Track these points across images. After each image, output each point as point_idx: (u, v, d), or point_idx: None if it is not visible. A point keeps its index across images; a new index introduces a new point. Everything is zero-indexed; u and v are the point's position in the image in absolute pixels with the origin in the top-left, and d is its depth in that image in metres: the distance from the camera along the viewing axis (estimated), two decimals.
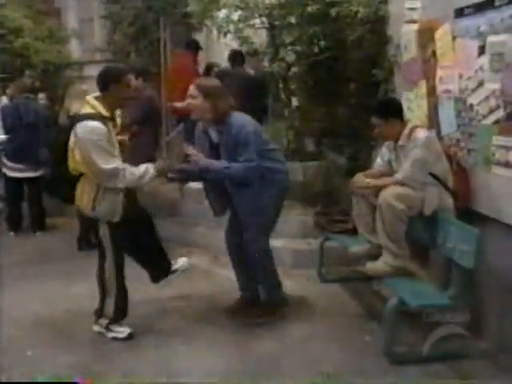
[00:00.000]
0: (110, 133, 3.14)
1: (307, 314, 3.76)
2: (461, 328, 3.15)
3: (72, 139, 3.20)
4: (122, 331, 3.45)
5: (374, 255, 3.52)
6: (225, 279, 4.34)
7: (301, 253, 4.62)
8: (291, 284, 4.08)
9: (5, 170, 6.10)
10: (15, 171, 5.98)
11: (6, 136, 6.02)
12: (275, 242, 4.76)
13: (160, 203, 5.67)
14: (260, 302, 3.77)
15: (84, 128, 3.10)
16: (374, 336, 3.36)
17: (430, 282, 3.35)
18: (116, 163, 3.14)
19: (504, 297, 3.09)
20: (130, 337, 3.43)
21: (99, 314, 3.49)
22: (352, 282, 4.22)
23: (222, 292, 4.11)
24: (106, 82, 3.19)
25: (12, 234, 6.01)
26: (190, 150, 3.41)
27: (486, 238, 3.03)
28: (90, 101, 3.21)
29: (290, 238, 4.75)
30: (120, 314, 3.46)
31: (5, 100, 6.59)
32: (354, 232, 4.03)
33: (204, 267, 4.78)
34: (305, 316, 3.73)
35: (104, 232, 3.31)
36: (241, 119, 3.41)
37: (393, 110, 3.47)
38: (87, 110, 3.19)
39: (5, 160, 6.06)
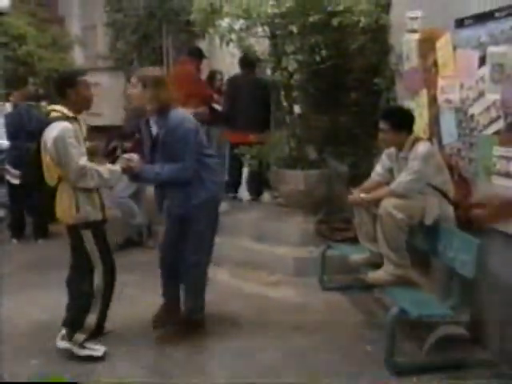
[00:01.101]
0: (76, 132, 3.14)
1: (308, 322, 3.76)
2: (461, 328, 3.14)
3: (43, 146, 3.15)
4: (98, 349, 3.28)
5: (375, 264, 3.54)
6: (224, 286, 4.35)
7: (302, 261, 4.62)
8: (292, 292, 4.09)
9: (8, 177, 6.12)
10: (18, 178, 6.00)
11: (9, 143, 6.07)
12: (277, 250, 4.81)
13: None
14: (179, 312, 3.69)
15: (52, 129, 3.09)
16: (376, 345, 3.36)
17: (431, 290, 3.36)
18: (85, 162, 3.14)
19: (505, 306, 3.10)
20: (104, 355, 3.26)
21: (74, 328, 3.26)
22: (353, 290, 4.23)
23: (221, 299, 4.12)
24: (62, 88, 3.19)
25: (15, 241, 6.03)
26: (129, 155, 3.37)
27: (486, 247, 3.05)
28: (52, 107, 3.22)
29: (291, 246, 4.76)
30: (100, 330, 3.35)
31: (8, 107, 6.63)
32: (355, 240, 4.04)
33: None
34: (306, 324, 3.73)
35: (88, 239, 3.23)
36: (181, 115, 3.36)
37: (404, 121, 3.48)
38: (53, 114, 3.18)
39: (8, 167, 6.09)
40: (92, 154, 3.38)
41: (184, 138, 3.30)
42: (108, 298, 3.36)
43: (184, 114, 3.40)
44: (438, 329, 3.16)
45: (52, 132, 3.08)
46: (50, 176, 3.19)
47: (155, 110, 3.33)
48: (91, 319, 3.26)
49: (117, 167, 3.28)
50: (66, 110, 3.16)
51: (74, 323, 3.28)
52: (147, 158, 3.46)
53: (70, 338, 3.26)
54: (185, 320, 3.61)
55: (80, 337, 3.24)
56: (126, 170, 3.32)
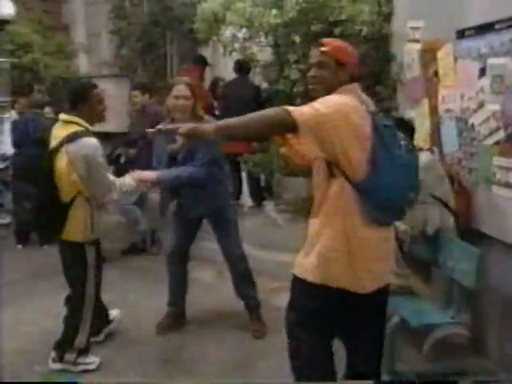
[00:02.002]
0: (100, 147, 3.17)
1: None
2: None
3: (63, 162, 3.05)
4: (92, 362, 3.30)
5: None
6: (228, 293, 4.37)
7: None
8: None
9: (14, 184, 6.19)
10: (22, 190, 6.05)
11: (14, 150, 6.13)
12: (279, 257, 4.83)
13: (166, 217, 5.72)
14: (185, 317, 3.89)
15: (81, 147, 3.02)
16: None
17: (432, 300, 3.38)
18: (113, 178, 3.21)
19: (505, 316, 3.12)
20: (99, 367, 3.28)
21: (64, 349, 3.25)
22: None
23: (225, 306, 4.15)
24: (73, 101, 3.14)
25: (20, 246, 6.07)
26: (138, 175, 3.38)
27: (487, 257, 3.07)
28: (71, 119, 3.12)
29: (294, 253, 4.77)
30: (89, 344, 3.32)
31: (14, 115, 6.69)
32: None
33: (207, 281, 4.81)
34: None
35: (91, 254, 3.20)
36: (208, 120, 3.46)
37: (407, 131, 3.48)
38: (72, 128, 3.10)
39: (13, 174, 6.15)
40: None
41: (210, 144, 3.33)
42: (95, 318, 3.33)
43: (209, 120, 3.47)
44: (436, 331, 3.15)
45: (82, 150, 3.02)
46: (66, 192, 3.10)
47: (190, 116, 3.38)
48: (81, 338, 3.24)
49: (132, 182, 3.28)
50: (86, 124, 3.13)
51: (63, 344, 3.28)
52: (165, 162, 3.49)
53: (60, 359, 3.26)
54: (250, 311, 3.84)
55: (71, 356, 3.24)
56: (143, 185, 3.38)
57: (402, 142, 2.23)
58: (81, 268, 3.21)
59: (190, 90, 3.44)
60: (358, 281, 2.20)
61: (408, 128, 3.51)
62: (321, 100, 2.16)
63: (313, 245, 2.28)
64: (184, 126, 2.16)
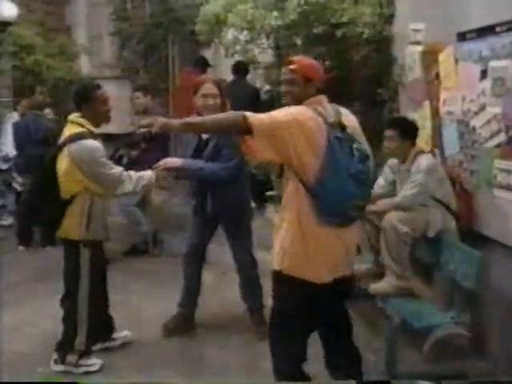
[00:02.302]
0: (103, 149, 3.18)
1: None
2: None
3: (66, 161, 3.10)
4: (94, 363, 3.29)
5: (378, 274, 3.57)
6: (232, 295, 4.38)
7: None
8: None
9: (15, 185, 6.21)
10: (24, 186, 6.07)
11: (16, 151, 6.15)
12: None
13: (167, 218, 5.74)
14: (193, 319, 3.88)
15: (82, 149, 3.08)
16: (378, 354, 3.38)
17: (433, 301, 3.38)
18: (119, 170, 3.21)
19: (506, 318, 3.12)
20: (101, 368, 3.28)
21: (65, 351, 3.26)
22: (355, 300, 4.23)
23: (229, 308, 4.16)
24: (78, 102, 3.19)
25: (22, 248, 6.08)
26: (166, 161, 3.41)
27: (488, 259, 3.08)
28: (75, 119, 3.18)
29: None
30: (90, 346, 3.32)
31: (16, 116, 6.71)
32: (357, 251, 4.05)
33: (211, 283, 4.82)
34: None
35: (84, 257, 3.19)
36: None
37: (409, 130, 3.52)
38: (75, 129, 3.15)
39: (15, 175, 6.17)
40: None
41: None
42: (94, 319, 3.29)
43: None
44: (436, 331, 3.14)
45: (81, 151, 3.07)
46: (67, 189, 3.15)
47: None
48: (80, 339, 3.23)
49: (148, 172, 3.28)
50: (89, 126, 3.16)
51: (64, 345, 3.29)
52: (190, 156, 3.51)
53: (62, 360, 3.27)
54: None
55: (72, 358, 3.24)
56: (169, 169, 3.34)
57: (356, 153, 2.42)
58: (73, 267, 3.22)
59: (218, 87, 3.47)
60: (316, 272, 2.44)
61: (411, 128, 3.53)
62: (281, 109, 2.44)
63: (277, 237, 2.55)
64: (158, 122, 2.45)
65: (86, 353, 3.28)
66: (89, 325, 3.25)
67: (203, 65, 6.48)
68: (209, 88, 3.42)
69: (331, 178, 2.33)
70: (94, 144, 3.12)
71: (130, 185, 3.19)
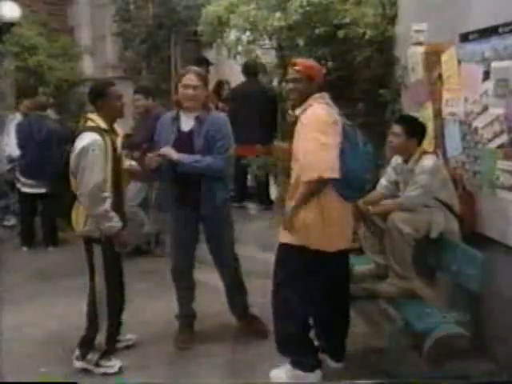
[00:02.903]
0: (106, 146, 3.18)
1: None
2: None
3: (72, 156, 3.20)
4: (113, 365, 3.31)
5: (380, 275, 3.57)
6: None
7: None
8: None
9: (18, 186, 6.22)
10: (28, 187, 6.09)
11: (20, 152, 6.17)
12: None
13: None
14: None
15: (80, 140, 3.16)
16: (380, 356, 3.39)
17: (436, 303, 3.37)
18: (99, 185, 3.13)
19: (509, 319, 3.12)
20: (120, 370, 3.30)
21: (87, 348, 3.30)
22: (358, 301, 4.24)
23: (225, 308, 4.14)
24: (93, 99, 3.30)
25: (25, 248, 6.10)
26: (165, 150, 3.43)
27: (490, 260, 3.07)
28: (88, 116, 3.30)
29: None
30: (113, 346, 3.37)
31: (19, 117, 6.73)
32: (360, 251, 4.06)
33: (213, 284, 4.80)
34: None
35: (96, 253, 3.25)
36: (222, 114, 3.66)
37: (417, 129, 3.50)
38: (88, 124, 3.27)
39: (18, 175, 6.19)
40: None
41: (229, 135, 3.51)
42: (114, 318, 3.34)
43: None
44: (436, 331, 3.13)
45: (80, 143, 3.14)
46: (74, 183, 3.24)
47: (202, 105, 3.48)
48: (101, 337, 3.26)
49: (119, 223, 3.24)
50: (100, 120, 3.23)
51: (84, 343, 3.32)
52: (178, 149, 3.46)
53: (83, 357, 3.29)
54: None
55: (93, 356, 3.27)
56: (164, 158, 3.39)
57: (360, 138, 3.05)
58: (89, 262, 3.29)
59: (200, 79, 3.44)
60: (330, 242, 2.98)
61: (419, 128, 3.52)
62: (317, 127, 2.91)
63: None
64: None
65: (107, 352, 3.29)
66: (110, 324, 3.28)
67: (204, 65, 6.48)
68: (190, 79, 3.41)
69: (349, 157, 2.90)
70: (94, 136, 3.14)
71: (102, 208, 3.13)
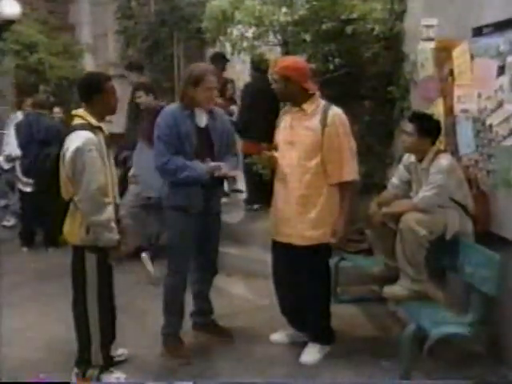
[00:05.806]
0: (100, 144, 2.92)
1: None
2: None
3: (61, 156, 2.92)
4: (118, 377, 3.12)
5: (391, 277, 3.46)
6: (237, 298, 4.29)
7: None
8: None
9: (19, 185, 6.15)
10: (29, 186, 6.01)
11: (20, 151, 6.08)
12: None
13: None
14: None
15: (73, 139, 2.86)
16: (391, 361, 3.28)
17: (448, 306, 3.27)
18: (98, 188, 2.88)
19: None
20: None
21: (85, 365, 3.07)
22: (367, 303, 4.15)
23: (234, 311, 4.10)
24: (88, 93, 2.98)
25: (25, 249, 6.02)
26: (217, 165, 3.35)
27: (506, 261, 2.96)
28: (77, 112, 2.99)
29: None
30: (110, 359, 3.15)
31: (20, 116, 6.64)
32: (369, 252, 3.97)
33: (216, 285, 4.72)
34: None
35: (91, 264, 2.98)
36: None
37: (431, 127, 3.38)
38: (77, 121, 2.96)
39: (20, 175, 6.11)
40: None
41: (233, 132, 3.65)
42: (105, 331, 3.09)
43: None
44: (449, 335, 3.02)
45: (73, 143, 2.85)
46: (66, 190, 2.97)
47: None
48: (95, 350, 3.05)
49: (116, 236, 2.98)
50: (90, 117, 2.94)
51: (81, 356, 3.12)
52: (190, 151, 3.31)
53: (83, 375, 3.09)
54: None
55: (93, 372, 3.07)
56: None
57: None
58: (79, 272, 3.02)
59: (216, 78, 3.42)
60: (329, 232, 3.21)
61: (432, 126, 3.41)
62: (343, 132, 3.19)
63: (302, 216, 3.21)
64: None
65: (106, 367, 3.10)
66: (103, 337, 3.06)
67: (221, 62, 6.33)
68: (212, 82, 3.31)
69: None
70: (86, 135, 2.86)
71: (104, 217, 2.88)
